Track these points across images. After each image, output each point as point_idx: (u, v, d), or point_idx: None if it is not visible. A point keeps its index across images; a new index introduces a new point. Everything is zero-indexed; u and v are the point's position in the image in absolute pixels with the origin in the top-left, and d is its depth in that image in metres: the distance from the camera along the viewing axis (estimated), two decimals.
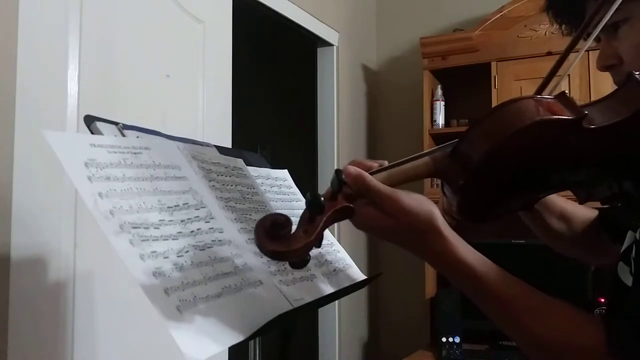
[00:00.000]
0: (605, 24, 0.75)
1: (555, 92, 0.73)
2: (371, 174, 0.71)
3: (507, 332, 0.70)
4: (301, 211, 0.68)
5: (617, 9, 0.73)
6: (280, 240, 0.63)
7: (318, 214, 0.65)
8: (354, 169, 0.69)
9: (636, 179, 0.70)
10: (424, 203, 0.68)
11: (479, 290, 0.68)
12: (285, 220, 0.63)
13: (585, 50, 0.76)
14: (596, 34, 0.74)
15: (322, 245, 0.71)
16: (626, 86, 0.69)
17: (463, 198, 0.71)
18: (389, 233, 0.69)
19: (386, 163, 0.75)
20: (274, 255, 0.63)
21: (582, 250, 1.03)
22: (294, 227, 0.65)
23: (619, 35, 0.75)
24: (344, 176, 0.68)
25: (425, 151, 0.74)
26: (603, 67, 0.79)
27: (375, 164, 0.75)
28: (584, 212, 1.01)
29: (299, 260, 0.67)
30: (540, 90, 0.75)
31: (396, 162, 0.73)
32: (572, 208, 1.01)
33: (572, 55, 0.76)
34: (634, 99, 0.67)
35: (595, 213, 1.00)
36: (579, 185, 0.73)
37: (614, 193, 0.70)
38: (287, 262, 0.68)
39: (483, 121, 0.68)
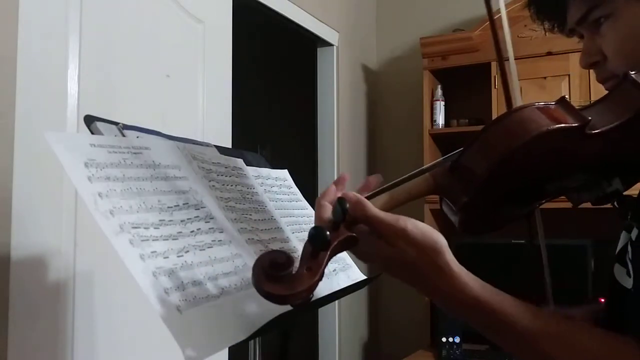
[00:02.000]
0: (588, 20, 0.75)
1: (520, 97, 0.72)
2: (371, 196, 0.67)
3: None
4: (300, 211, 0.68)
5: (599, 4, 0.73)
6: (282, 282, 0.56)
7: (323, 250, 0.59)
8: (352, 195, 0.64)
9: (625, 177, 0.69)
10: (429, 233, 0.63)
11: (499, 327, 0.63)
12: (287, 260, 0.57)
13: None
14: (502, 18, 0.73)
15: None
16: (622, 87, 0.68)
17: (465, 214, 0.68)
18: (391, 264, 0.65)
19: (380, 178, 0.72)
20: (276, 299, 0.57)
21: None
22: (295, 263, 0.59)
23: (601, 32, 0.74)
24: (347, 205, 0.62)
25: (424, 167, 0.72)
26: (587, 64, 0.78)
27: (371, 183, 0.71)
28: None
29: (303, 301, 0.60)
30: (507, 101, 0.74)
31: (395, 181, 0.70)
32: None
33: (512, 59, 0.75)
34: (633, 99, 0.65)
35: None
36: (574, 189, 0.72)
37: (605, 193, 0.69)
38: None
39: (485, 134, 0.66)
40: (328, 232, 0.59)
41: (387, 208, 0.67)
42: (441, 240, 0.64)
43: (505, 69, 0.76)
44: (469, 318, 0.64)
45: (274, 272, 0.57)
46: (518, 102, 0.75)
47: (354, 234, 0.63)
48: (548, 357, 0.63)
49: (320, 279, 0.59)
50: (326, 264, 0.59)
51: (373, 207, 0.64)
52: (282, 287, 0.56)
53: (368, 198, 0.66)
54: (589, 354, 0.62)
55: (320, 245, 0.59)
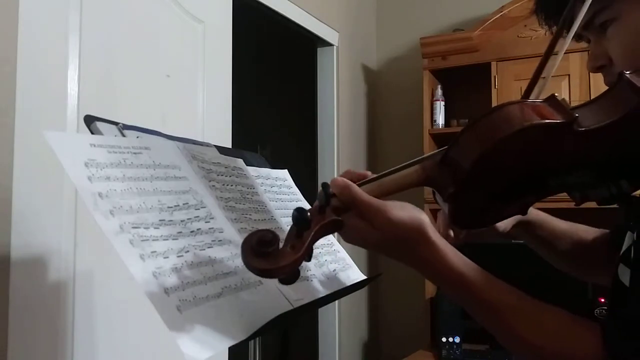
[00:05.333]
0: (594, 24, 0.75)
1: (542, 94, 0.72)
2: (360, 184, 0.69)
3: (502, 341, 0.69)
4: None
5: (605, 8, 0.73)
6: (267, 258, 0.61)
7: (305, 229, 0.63)
8: (341, 180, 0.68)
9: (633, 179, 0.69)
10: (412, 213, 0.67)
11: (471, 299, 0.68)
12: (272, 237, 0.62)
13: (566, 52, 0.76)
14: (574, 31, 0.73)
15: (321, 246, 0.70)
16: (617, 86, 0.68)
17: (455, 205, 0.70)
18: (378, 245, 0.68)
19: (369, 174, 0.74)
20: (261, 272, 0.61)
21: (583, 269, 1.04)
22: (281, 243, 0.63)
23: (607, 36, 0.74)
24: (331, 189, 0.66)
25: (415, 159, 0.73)
26: (593, 68, 0.78)
27: (367, 173, 0.73)
28: (586, 233, 1.01)
29: (288, 277, 0.65)
30: (527, 94, 0.74)
31: (386, 171, 0.72)
32: (583, 232, 1.00)
33: (554, 57, 0.75)
34: (625, 99, 0.66)
35: (594, 232, 1.00)
36: (574, 187, 0.72)
37: (611, 194, 0.70)
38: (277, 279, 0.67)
39: (472, 127, 0.67)
40: (309, 214, 0.63)
41: (375, 196, 0.69)
42: (424, 217, 0.68)
43: (545, 63, 0.76)
44: (448, 289, 0.69)
45: (261, 249, 0.61)
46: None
47: (339, 218, 0.66)
48: (513, 332, 0.67)
49: (304, 256, 0.63)
50: (310, 242, 0.63)
51: (360, 191, 0.67)
52: (267, 262, 0.61)
53: (357, 186, 0.69)
54: (552, 334, 0.65)
55: (301, 226, 0.63)
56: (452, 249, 0.68)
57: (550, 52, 0.75)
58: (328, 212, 0.66)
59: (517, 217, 0.98)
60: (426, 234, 0.67)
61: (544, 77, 0.75)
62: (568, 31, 0.75)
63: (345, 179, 0.68)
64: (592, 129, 0.65)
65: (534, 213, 1.01)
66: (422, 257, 0.68)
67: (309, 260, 0.65)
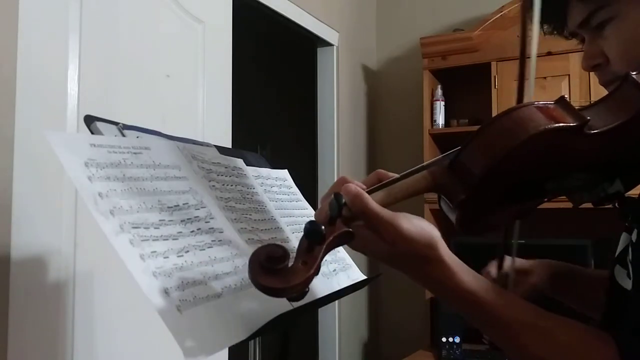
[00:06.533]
0: (591, 22, 0.75)
1: (532, 96, 0.72)
2: (370, 191, 0.67)
3: (514, 358, 0.67)
4: (300, 212, 0.68)
5: (602, 7, 0.73)
6: (278, 275, 0.57)
7: (318, 243, 0.59)
8: (354, 188, 0.64)
9: (630, 179, 0.69)
10: (424, 229, 0.64)
11: (483, 317, 0.66)
12: (283, 253, 0.58)
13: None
14: (538, 21, 0.73)
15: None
16: (623, 87, 0.67)
17: (463, 212, 0.68)
18: (387, 258, 0.66)
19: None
20: (272, 292, 0.57)
21: None
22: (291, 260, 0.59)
23: (604, 34, 0.74)
24: (343, 200, 0.63)
25: (422, 164, 0.71)
26: (588, 67, 0.78)
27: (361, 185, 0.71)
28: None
29: (298, 294, 0.61)
30: (519, 96, 0.74)
31: (393, 178, 0.70)
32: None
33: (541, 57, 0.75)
34: (633, 100, 0.65)
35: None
36: (575, 189, 0.72)
37: (607, 194, 0.69)
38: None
39: (483, 132, 0.66)
40: (323, 227, 0.60)
41: (385, 204, 0.67)
42: (435, 233, 0.65)
43: (524, 66, 0.76)
44: (458, 306, 0.67)
45: (270, 265, 0.57)
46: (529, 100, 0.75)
47: (350, 229, 0.63)
48: (526, 349, 0.64)
49: (316, 272, 0.59)
50: (322, 257, 0.60)
51: (372, 202, 0.64)
52: (278, 280, 0.57)
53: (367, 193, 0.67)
54: (566, 349, 0.63)
55: (315, 239, 0.59)
56: (463, 266, 0.66)
57: (523, 52, 0.75)
58: (339, 223, 0.62)
59: (550, 272, 0.97)
60: (436, 251, 0.64)
61: (527, 79, 0.75)
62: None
63: (358, 187, 0.65)
64: (601, 131, 0.65)
65: (567, 267, 0.98)
66: (432, 275, 0.65)
67: (317, 274, 0.60)
